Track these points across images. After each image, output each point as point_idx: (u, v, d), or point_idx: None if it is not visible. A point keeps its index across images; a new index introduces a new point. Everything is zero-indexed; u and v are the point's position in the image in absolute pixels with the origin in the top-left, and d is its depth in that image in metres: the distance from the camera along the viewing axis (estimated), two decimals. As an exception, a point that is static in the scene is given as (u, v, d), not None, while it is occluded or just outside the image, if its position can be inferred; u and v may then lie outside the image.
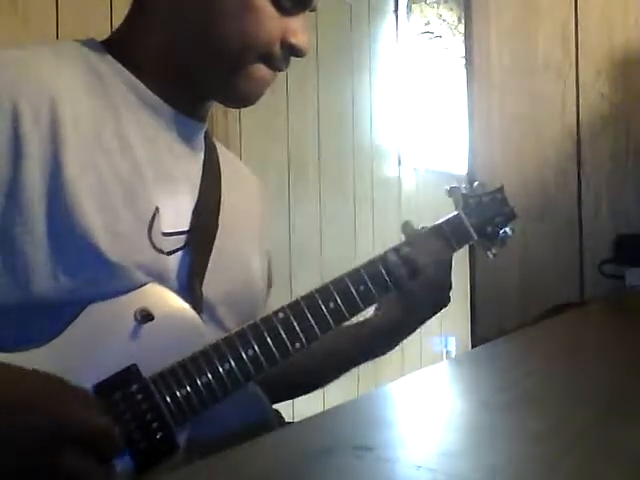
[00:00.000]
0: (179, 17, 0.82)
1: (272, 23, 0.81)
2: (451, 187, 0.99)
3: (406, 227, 0.94)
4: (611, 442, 0.42)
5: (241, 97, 0.86)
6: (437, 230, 0.94)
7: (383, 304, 0.95)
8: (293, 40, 0.83)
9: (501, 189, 1.01)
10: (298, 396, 1.08)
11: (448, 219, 0.96)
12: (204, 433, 0.75)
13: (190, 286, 0.80)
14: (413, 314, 0.97)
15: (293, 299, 0.82)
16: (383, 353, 1.02)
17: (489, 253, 0.99)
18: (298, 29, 0.83)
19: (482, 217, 0.98)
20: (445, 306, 0.98)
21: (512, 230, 1.00)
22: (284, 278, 2.39)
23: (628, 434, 0.44)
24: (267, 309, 0.92)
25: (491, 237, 0.99)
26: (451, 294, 0.98)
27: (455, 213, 0.97)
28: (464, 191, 0.98)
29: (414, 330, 0.99)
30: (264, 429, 0.82)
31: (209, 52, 0.82)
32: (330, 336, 0.83)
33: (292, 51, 0.84)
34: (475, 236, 0.97)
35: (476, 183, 1.01)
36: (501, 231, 0.99)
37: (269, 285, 1.02)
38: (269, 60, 0.83)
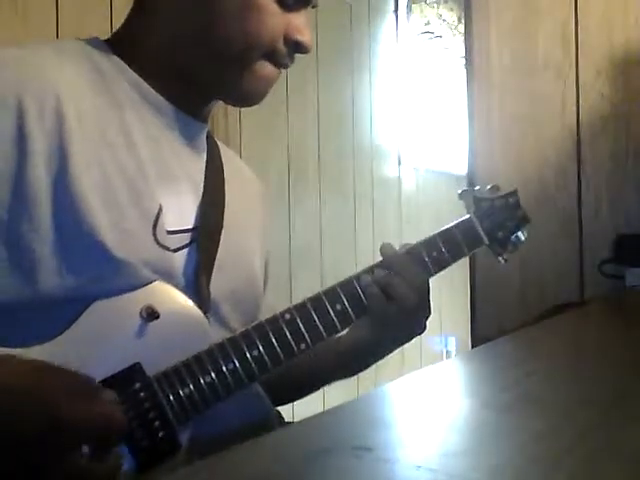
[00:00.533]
0: (179, 17, 0.82)
1: (275, 20, 0.81)
2: (463, 190, 0.96)
3: (384, 249, 0.89)
4: (612, 442, 0.42)
5: (246, 96, 0.86)
6: (416, 252, 0.89)
7: (357, 324, 0.88)
8: (298, 37, 0.83)
9: (514, 192, 0.97)
10: (286, 402, 1.07)
11: (459, 223, 0.93)
12: (204, 431, 0.75)
13: (197, 284, 0.80)
14: (382, 337, 0.92)
15: (293, 299, 0.82)
16: (359, 370, 0.99)
17: (500, 258, 0.96)
18: (301, 25, 0.83)
19: (494, 221, 0.94)
20: (419, 334, 0.93)
21: (525, 235, 0.97)
22: (284, 278, 2.39)
23: (629, 434, 0.44)
24: (263, 307, 0.92)
25: (503, 242, 0.95)
26: (428, 322, 0.93)
27: (467, 217, 0.93)
28: (476, 194, 0.95)
29: (388, 352, 0.96)
30: (264, 429, 0.82)
31: (212, 52, 0.82)
32: (316, 349, 0.82)
33: (296, 48, 0.84)
34: (486, 241, 0.93)
35: (489, 186, 0.97)
36: (513, 236, 0.96)
37: (265, 280, 1.02)
38: (273, 57, 0.83)
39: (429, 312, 0.92)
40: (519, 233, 0.97)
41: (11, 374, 0.63)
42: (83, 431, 0.61)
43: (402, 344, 0.95)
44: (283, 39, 0.83)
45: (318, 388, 1.02)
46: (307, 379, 1.00)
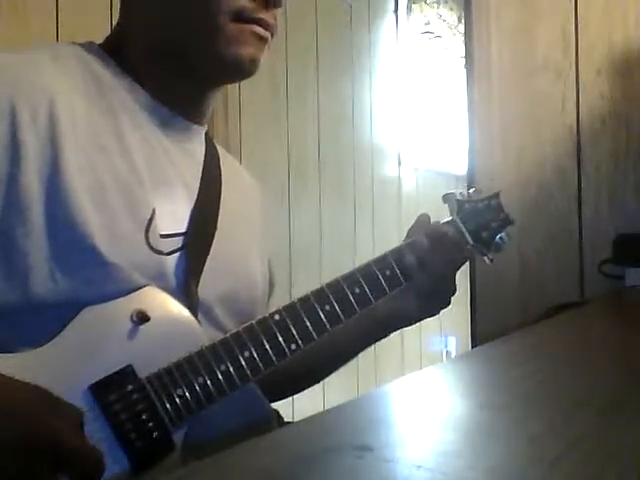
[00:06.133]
0: (149, 3, 0.83)
1: None
2: (446, 193, 0.99)
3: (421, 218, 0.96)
4: (610, 443, 0.42)
5: (231, 63, 0.83)
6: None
7: (395, 296, 0.93)
8: None
9: (497, 195, 1.01)
10: (298, 391, 1.08)
11: (443, 224, 0.96)
12: (202, 433, 0.75)
13: (186, 287, 0.80)
14: (427, 304, 0.96)
15: (293, 299, 0.82)
16: (385, 336, 1.02)
17: (485, 259, 0.99)
18: None
19: (478, 223, 0.98)
20: (447, 304, 0.97)
21: (508, 236, 1.00)
22: (284, 278, 2.39)
23: (628, 435, 0.44)
24: (270, 310, 0.92)
25: (487, 243, 0.98)
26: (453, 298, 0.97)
27: (450, 218, 0.97)
28: (459, 197, 0.98)
29: (429, 317, 0.99)
30: (264, 429, 0.82)
31: (188, 28, 0.82)
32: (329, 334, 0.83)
33: (266, 2, 0.82)
34: (471, 241, 0.97)
35: (472, 189, 1.01)
36: (497, 237, 0.99)
37: (271, 287, 1.02)
38: (243, 16, 0.81)
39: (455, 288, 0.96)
40: (503, 234, 1.00)
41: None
42: (62, 458, 0.59)
43: (428, 315, 0.98)
44: None
45: (354, 356, 1.04)
46: (344, 350, 1.02)
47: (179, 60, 0.84)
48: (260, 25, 0.83)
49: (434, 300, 0.96)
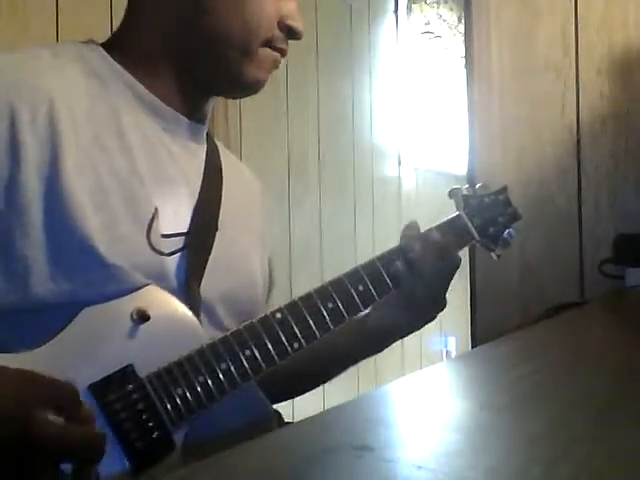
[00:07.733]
0: (167, 14, 0.83)
1: (271, 6, 0.83)
2: (452, 188, 0.97)
3: (410, 227, 0.94)
4: (610, 443, 0.42)
5: (250, 84, 0.87)
6: (441, 229, 0.93)
7: (383, 303, 0.91)
8: (291, 22, 0.85)
9: (504, 190, 0.99)
10: (295, 396, 1.08)
11: (449, 219, 0.95)
12: (203, 433, 0.75)
13: (187, 287, 0.80)
14: (412, 314, 0.94)
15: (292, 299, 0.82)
16: (378, 352, 1.00)
17: (493, 254, 0.97)
18: (293, 11, 0.85)
19: (484, 218, 0.96)
20: (444, 306, 0.95)
21: (516, 231, 0.98)
22: (284, 278, 2.39)
23: (627, 435, 0.44)
24: (268, 310, 0.92)
25: (494, 238, 0.97)
26: (447, 296, 0.95)
27: (456, 213, 0.95)
28: (465, 192, 0.97)
29: (412, 331, 0.97)
30: (264, 429, 0.82)
31: (212, 43, 0.83)
32: (331, 334, 0.83)
33: (290, 34, 0.86)
34: (477, 236, 0.95)
35: (478, 185, 0.99)
36: (505, 232, 0.97)
37: (270, 286, 1.02)
38: (272, 43, 0.85)
39: (447, 289, 0.94)
40: (511, 229, 0.98)
41: None
42: (58, 450, 0.55)
43: (425, 322, 0.96)
44: (277, 25, 0.84)
45: (345, 369, 1.02)
46: (333, 362, 1.01)
47: (189, 67, 0.85)
48: (282, 54, 0.87)
49: (422, 309, 0.94)
